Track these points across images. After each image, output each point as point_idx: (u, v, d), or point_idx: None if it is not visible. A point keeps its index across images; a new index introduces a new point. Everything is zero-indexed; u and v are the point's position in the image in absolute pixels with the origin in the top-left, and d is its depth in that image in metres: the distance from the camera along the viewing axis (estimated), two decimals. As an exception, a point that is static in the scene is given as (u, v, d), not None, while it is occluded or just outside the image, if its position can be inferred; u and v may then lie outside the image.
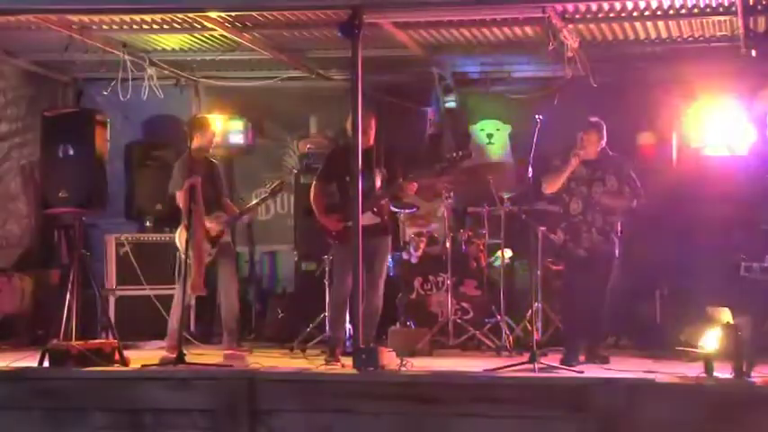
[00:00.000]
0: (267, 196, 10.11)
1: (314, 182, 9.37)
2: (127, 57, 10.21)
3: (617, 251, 8.88)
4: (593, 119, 8.97)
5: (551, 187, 8.92)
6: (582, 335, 8.90)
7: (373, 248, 8.93)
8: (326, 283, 10.09)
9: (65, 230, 11.03)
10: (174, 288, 9.67)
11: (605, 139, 8.92)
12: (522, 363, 8.24)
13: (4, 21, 9.38)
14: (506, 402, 7.12)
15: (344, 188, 8.93)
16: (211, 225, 9.42)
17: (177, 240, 9.47)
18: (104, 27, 9.77)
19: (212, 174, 9.62)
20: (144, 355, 9.15)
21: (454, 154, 9.33)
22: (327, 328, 9.89)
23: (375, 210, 9.05)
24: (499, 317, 9.85)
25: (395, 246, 9.97)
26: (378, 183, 9.07)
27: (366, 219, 8.78)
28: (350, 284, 8.77)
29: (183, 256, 9.21)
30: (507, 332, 9.72)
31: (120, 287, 10.77)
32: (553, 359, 8.54)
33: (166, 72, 11.19)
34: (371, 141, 9.03)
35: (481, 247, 10.38)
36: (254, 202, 10.11)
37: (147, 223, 11.35)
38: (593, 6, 8.95)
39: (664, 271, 10.01)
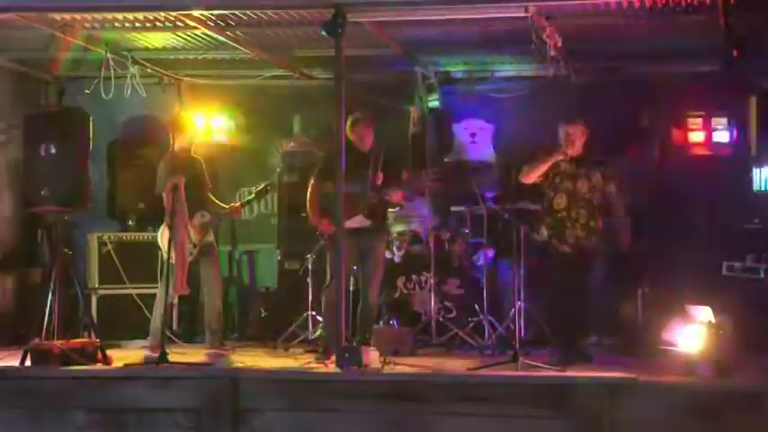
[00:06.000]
0: (252, 198, 10.12)
1: (312, 180, 9.22)
2: (110, 55, 10.17)
3: (603, 249, 8.90)
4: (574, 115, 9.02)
5: (529, 177, 8.91)
6: (566, 333, 8.91)
7: (367, 250, 8.96)
8: (309, 282, 10.12)
9: (47, 229, 10.97)
10: (156, 287, 9.67)
11: (587, 134, 8.95)
12: (505, 362, 8.27)
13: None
14: (489, 401, 7.13)
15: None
16: (195, 225, 9.41)
17: (159, 240, 9.48)
18: (87, 25, 9.72)
19: (196, 172, 9.62)
20: (127, 355, 9.14)
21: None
22: (311, 326, 10.00)
23: (367, 212, 8.96)
24: (482, 316, 9.87)
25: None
26: (370, 186, 8.99)
27: (357, 221, 8.81)
28: (344, 285, 8.76)
29: (165, 256, 9.20)
30: (490, 331, 9.74)
31: (103, 286, 10.72)
32: (536, 358, 8.55)
33: (149, 71, 11.15)
34: (370, 145, 9.05)
35: (464, 246, 10.40)
36: (239, 202, 10.08)
37: (130, 222, 11.30)
38: (576, 6, 8.95)
39: (646, 270, 10.03)
